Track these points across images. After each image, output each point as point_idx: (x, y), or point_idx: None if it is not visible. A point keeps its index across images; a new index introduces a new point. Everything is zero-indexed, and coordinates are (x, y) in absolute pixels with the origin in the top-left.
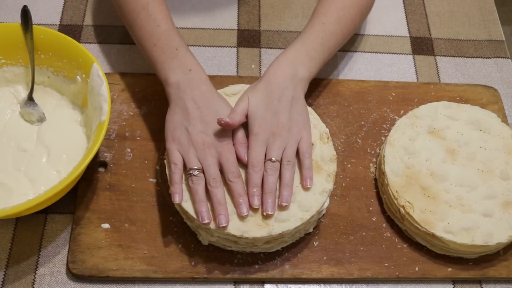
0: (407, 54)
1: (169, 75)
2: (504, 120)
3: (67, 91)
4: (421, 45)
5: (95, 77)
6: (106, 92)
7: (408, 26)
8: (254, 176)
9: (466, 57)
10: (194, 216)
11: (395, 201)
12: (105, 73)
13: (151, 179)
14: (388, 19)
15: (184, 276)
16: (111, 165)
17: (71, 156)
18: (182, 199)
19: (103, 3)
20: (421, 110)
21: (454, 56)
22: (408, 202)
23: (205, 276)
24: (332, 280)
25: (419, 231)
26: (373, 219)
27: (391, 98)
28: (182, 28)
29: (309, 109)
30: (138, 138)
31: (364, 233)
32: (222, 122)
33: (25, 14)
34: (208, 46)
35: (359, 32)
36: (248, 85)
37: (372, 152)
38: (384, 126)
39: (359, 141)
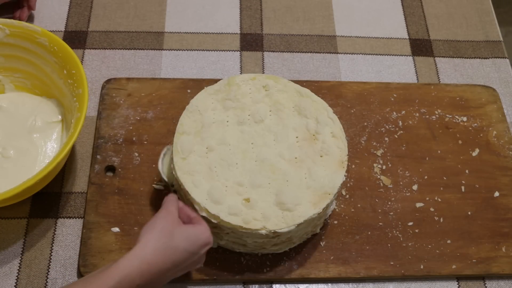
0: (407, 56)
1: None
2: (503, 119)
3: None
4: (420, 47)
5: None
6: None
7: (407, 28)
8: None
9: (465, 57)
10: (209, 217)
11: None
12: (111, 79)
13: (159, 183)
14: (387, 21)
15: (194, 277)
16: (119, 170)
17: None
18: None
19: (107, 9)
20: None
21: (453, 57)
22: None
23: (215, 277)
24: (339, 279)
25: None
26: (378, 218)
27: (392, 99)
28: (185, 32)
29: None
30: (145, 142)
31: (369, 233)
32: None
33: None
34: (211, 50)
35: (359, 35)
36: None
37: (376, 152)
38: (387, 126)
39: (363, 142)
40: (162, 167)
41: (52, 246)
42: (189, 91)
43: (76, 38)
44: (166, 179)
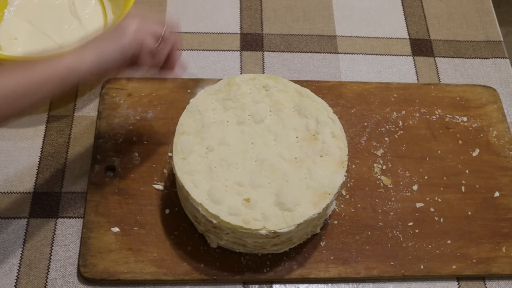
0: (407, 56)
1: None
2: (503, 119)
3: None
4: (421, 47)
5: None
6: None
7: (407, 28)
8: None
9: (465, 57)
10: (209, 217)
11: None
12: (111, 78)
13: (159, 183)
14: (387, 21)
15: (194, 278)
16: (119, 169)
17: None
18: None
19: None
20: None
21: (453, 57)
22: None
23: (215, 277)
24: (339, 279)
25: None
26: (378, 218)
27: (393, 99)
28: (185, 32)
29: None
30: (145, 142)
31: (369, 233)
32: None
33: None
34: (211, 50)
35: (359, 35)
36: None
37: (376, 152)
38: (387, 127)
39: (363, 142)
40: None
41: (52, 246)
42: (189, 91)
43: None
44: None
